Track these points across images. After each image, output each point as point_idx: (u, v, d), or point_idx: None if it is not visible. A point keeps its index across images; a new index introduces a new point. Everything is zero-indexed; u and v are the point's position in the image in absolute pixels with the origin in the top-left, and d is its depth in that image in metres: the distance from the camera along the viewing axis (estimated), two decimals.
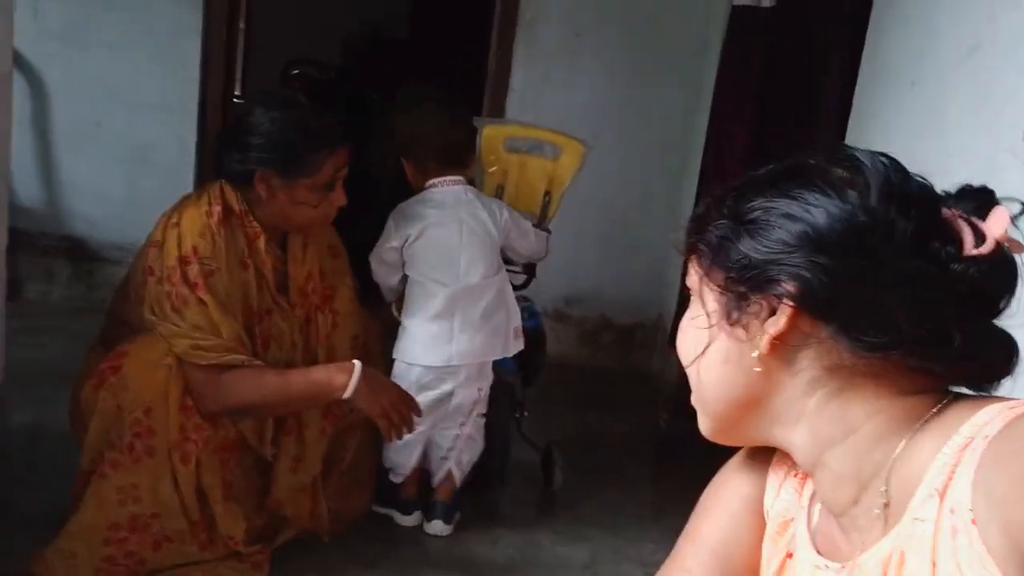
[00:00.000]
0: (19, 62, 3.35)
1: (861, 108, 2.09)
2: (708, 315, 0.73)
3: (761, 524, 0.80)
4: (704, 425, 0.77)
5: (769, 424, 0.72)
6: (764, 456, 0.82)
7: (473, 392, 2.09)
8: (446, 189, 2.11)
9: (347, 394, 1.70)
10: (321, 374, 1.73)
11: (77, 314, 3.23)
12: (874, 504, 0.66)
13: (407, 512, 2.11)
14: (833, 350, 0.66)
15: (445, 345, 2.03)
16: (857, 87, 2.12)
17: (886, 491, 0.65)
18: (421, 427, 1.96)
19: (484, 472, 2.28)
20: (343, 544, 1.96)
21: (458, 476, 2.13)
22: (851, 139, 2.07)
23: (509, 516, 2.26)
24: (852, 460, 0.67)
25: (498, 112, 3.42)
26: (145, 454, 1.61)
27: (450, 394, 2.06)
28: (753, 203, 0.70)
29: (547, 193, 2.38)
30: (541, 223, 2.38)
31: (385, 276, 2.11)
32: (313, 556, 1.90)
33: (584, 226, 3.33)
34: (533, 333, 2.32)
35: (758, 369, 0.69)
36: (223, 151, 1.76)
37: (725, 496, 0.83)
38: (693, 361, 0.74)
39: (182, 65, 3.43)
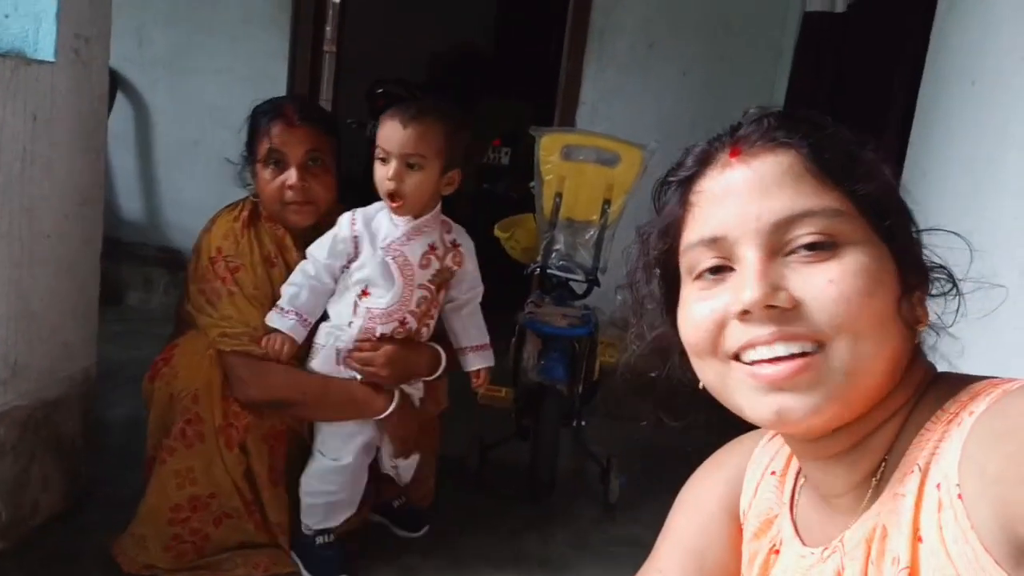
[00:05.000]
0: (125, 87, 3.64)
1: (925, 108, 2.04)
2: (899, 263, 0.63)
3: (736, 525, 0.79)
4: (829, 407, 0.61)
5: (864, 409, 0.65)
6: (737, 457, 0.82)
7: None
8: None
9: (380, 417, 1.80)
10: (361, 392, 1.78)
11: (172, 319, 3.45)
12: (867, 485, 0.64)
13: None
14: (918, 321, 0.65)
15: None
16: (921, 88, 2.08)
17: (880, 471, 0.64)
18: None
19: (533, 480, 2.30)
20: (400, 536, 2.04)
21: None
22: (915, 139, 2.04)
23: (565, 524, 2.26)
24: (877, 447, 0.65)
25: (568, 124, 3.48)
26: (196, 439, 1.73)
27: None
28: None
29: (607, 201, 2.41)
30: (602, 230, 2.41)
31: None
32: (371, 542, 1.98)
33: None
34: (585, 342, 2.34)
35: (921, 333, 0.65)
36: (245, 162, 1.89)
37: (700, 497, 0.83)
38: (884, 330, 0.61)
39: (272, 87, 3.63)
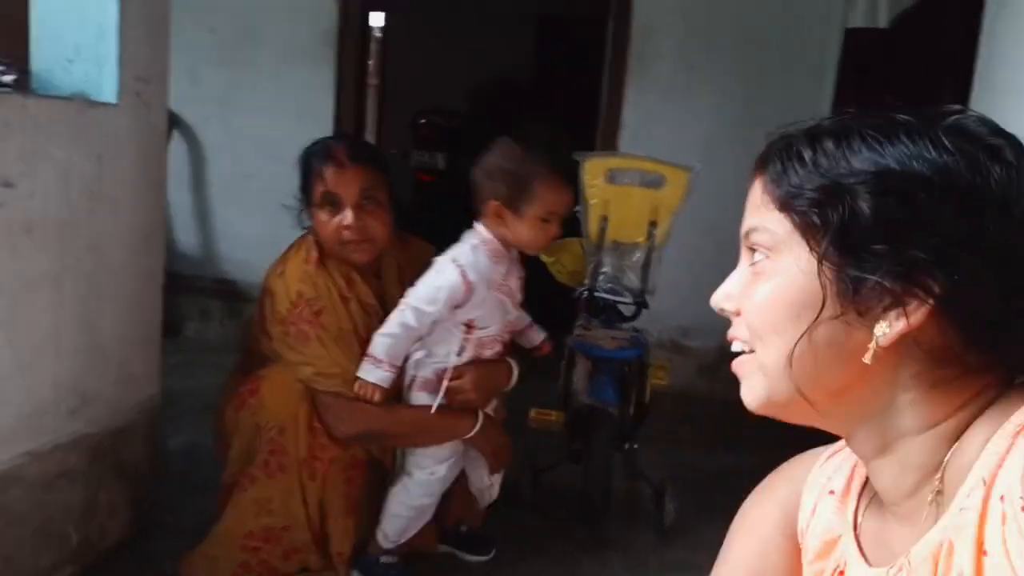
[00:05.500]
0: (180, 124, 3.76)
1: None
2: (825, 289, 0.63)
3: (795, 547, 0.79)
4: (757, 395, 0.69)
5: (841, 409, 0.67)
6: (791, 479, 0.81)
7: None
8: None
9: (468, 436, 1.88)
10: (449, 416, 1.85)
11: (229, 349, 3.53)
12: (928, 494, 0.64)
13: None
14: (950, 345, 0.62)
15: None
16: (971, 100, 2.06)
17: (940, 480, 0.63)
18: None
19: (587, 504, 2.29)
20: (456, 560, 2.06)
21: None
22: None
23: (621, 548, 2.25)
24: (926, 452, 0.64)
25: (610, 148, 3.50)
26: (279, 470, 1.77)
27: None
28: (914, 168, 0.61)
29: (653, 222, 2.42)
30: (649, 252, 2.42)
31: None
32: (423, 565, 2.00)
33: (701, 255, 3.30)
34: (635, 364, 2.34)
35: (867, 361, 0.62)
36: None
37: (756, 521, 0.83)
38: (798, 337, 0.64)
39: (318, 121, 3.72)
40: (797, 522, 0.79)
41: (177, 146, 3.75)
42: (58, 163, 1.72)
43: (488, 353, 1.90)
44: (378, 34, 5.86)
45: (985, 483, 0.59)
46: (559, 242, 2.82)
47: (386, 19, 5.76)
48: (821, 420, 0.69)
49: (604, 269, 2.45)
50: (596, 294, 2.45)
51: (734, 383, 0.72)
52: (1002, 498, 0.56)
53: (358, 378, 1.77)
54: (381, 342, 1.79)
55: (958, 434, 0.64)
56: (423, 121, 5.14)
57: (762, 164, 0.70)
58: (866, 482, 0.74)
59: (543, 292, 2.84)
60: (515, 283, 1.93)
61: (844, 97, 3.14)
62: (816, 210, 0.64)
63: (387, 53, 5.73)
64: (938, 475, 0.64)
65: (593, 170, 2.37)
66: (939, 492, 0.63)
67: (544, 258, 2.73)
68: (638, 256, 2.44)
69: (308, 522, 1.81)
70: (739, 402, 0.71)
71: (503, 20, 5.70)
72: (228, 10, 3.78)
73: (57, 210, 1.73)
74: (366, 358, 1.78)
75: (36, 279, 1.68)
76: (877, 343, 0.62)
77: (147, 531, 2.04)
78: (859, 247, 0.62)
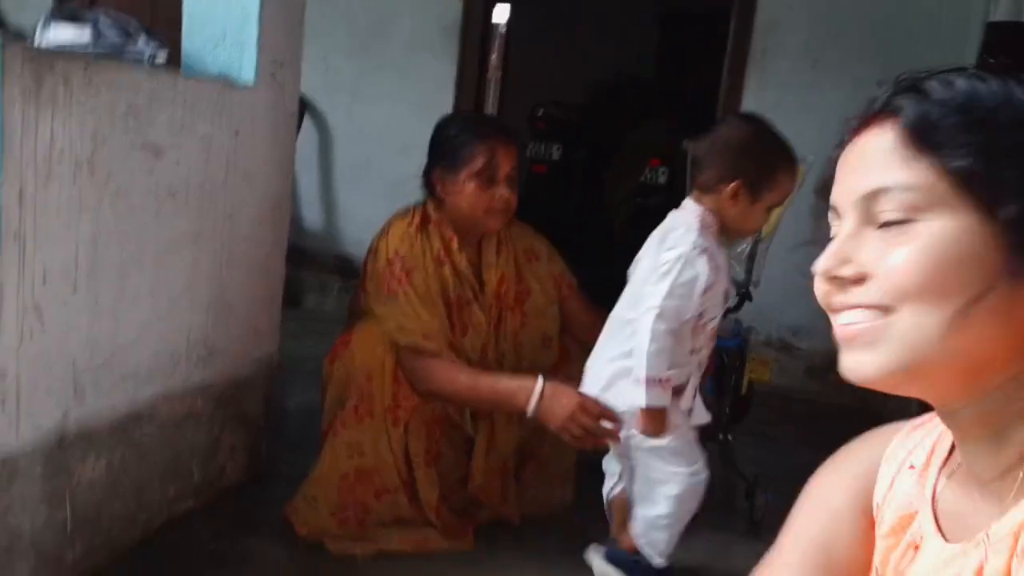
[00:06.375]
0: (311, 110, 3.99)
1: None
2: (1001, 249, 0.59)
3: (867, 520, 0.77)
4: (886, 364, 0.62)
5: (972, 382, 0.62)
6: (869, 450, 0.80)
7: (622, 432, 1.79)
8: (673, 214, 1.87)
9: (529, 412, 1.84)
10: (505, 387, 1.88)
11: (344, 321, 3.73)
12: (1020, 474, 0.62)
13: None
14: None
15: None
16: None
17: None
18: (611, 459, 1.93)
19: None
20: (542, 531, 2.11)
21: (645, 548, 1.83)
22: None
23: (707, 539, 2.20)
24: (1018, 438, 0.63)
25: None
26: (367, 415, 1.91)
27: None
28: None
29: None
30: (756, 244, 2.39)
31: None
32: (513, 535, 2.08)
33: (814, 254, 3.25)
34: (735, 354, 2.33)
35: None
36: (424, 172, 2.07)
37: (828, 491, 0.81)
38: (962, 305, 0.59)
39: (438, 113, 3.85)
40: (872, 495, 0.77)
41: (307, 130, 3.99)
42: (201, 136, 1.89)
43: (709, 346, 1.77)
44: (503, 28, 5.99)
45: None
46: None
47: (511, 13, 5.87)
48: (940, 393, 0.64)
49: None
50: None
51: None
52: None
53: (642, 409, 1.65)
54: (657, 360, 1.63)
55: None
56: (541, 113, 5.21)
57: (887, 111, 0.64)
58: (947, 458, 0.73)
59: None
60: (726, 267, 1.77)
61: None
62: (985, 160, 0.59)
63: (510, 46, 5.83)
64: None
65: None
66: None
67: None
68: (744, 247, 2.41)
69: (396, 467, 1.92)
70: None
71: (627, 15, 5.71)
72: (360, 2, 3.98)
73: (198, 179, 1.90)
74: (648, 383, 1.63)
75: (177, 239, 1.86)
76: None
77: (262, 477, 2.22)
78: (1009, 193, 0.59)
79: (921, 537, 0.70)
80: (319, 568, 1.86)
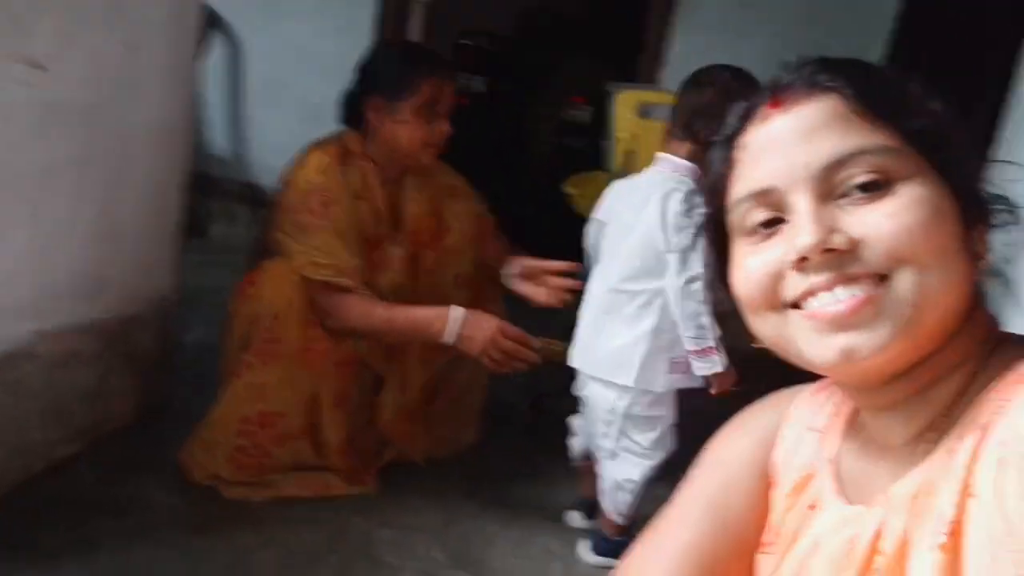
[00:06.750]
0: (220, 24, 3.74)
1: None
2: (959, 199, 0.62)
3: (766, 481, 0.78)
4: (898, 332, 0.60)
5: (932, 346, 0.62)
6: (769, 414, 0.80)
7: (606, 397, 1.77)
8: (653, 169, 1.79)
9: (446, 339, 1.82)
10: (422, 315, 1.84)
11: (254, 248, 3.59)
12: (924, 440, 0.63)
13: (570, 507, 2.01)
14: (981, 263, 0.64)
15: (577, 345, 1.84)
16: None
17: (940, 428, 0.62)
18: (580, 418, 1.95)
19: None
20: (446, 474, 2.10)
21: (607, 505, 1.84)
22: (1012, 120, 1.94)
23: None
24: (945, 396, 0.63)
25: (652, 84, 3.42)
26: (272, 357, 1.82)
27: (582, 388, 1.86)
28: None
29: None
30: None
31: (590, 250, 1.91)
32: (415, 477, 2.05)
33: None
34: None
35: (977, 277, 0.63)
36: (348, 97, 1.96)
37: (727, 452, 0.81)
38: (951, 261, 0.60)
39: (358, 32, 3.68)
40: (771, 457, 0.78)
41: (215, 48, 3.74)
42: (89, 49, 1.72)
43: None
44: None
45: (982, 428, 0.58)
46: (585, 175, 2.80)
47: None
48: (911, 360, 0.62)
49: None
50: None
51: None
52: (1002, 443, 0.55)
53: (707, 378, 1.67)
54: (709, 326, 1.62)
55: (965, 384, 0.63)
56: (466, 42, 5.03)
57: (817, 87, 0.63)
58: (848, 420, 0.73)
59: (568, 224, 2.83)
60: None
61: (900, 47, 3.02)
62: (924, 118, 0.62)
63: None
64: (939, 424, 0.63)
65: (624, 103, 2.33)
66: (935, 439, 0.63)
67: (568, 190, 2.71)
68: None
69: (302, 411, 1.86)
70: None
71: None
72: None
73: (85, 97, 1.74)
74: (708, 352, 1.63)
75: (60, 162, 1.70)
76: (980, 256, 0.63)
77: (154, 418, 2.11)
78: (958, 156, 0.63)
79: (820, 498, 0.71)
80: (212, 514, 1.79)
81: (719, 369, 1.66)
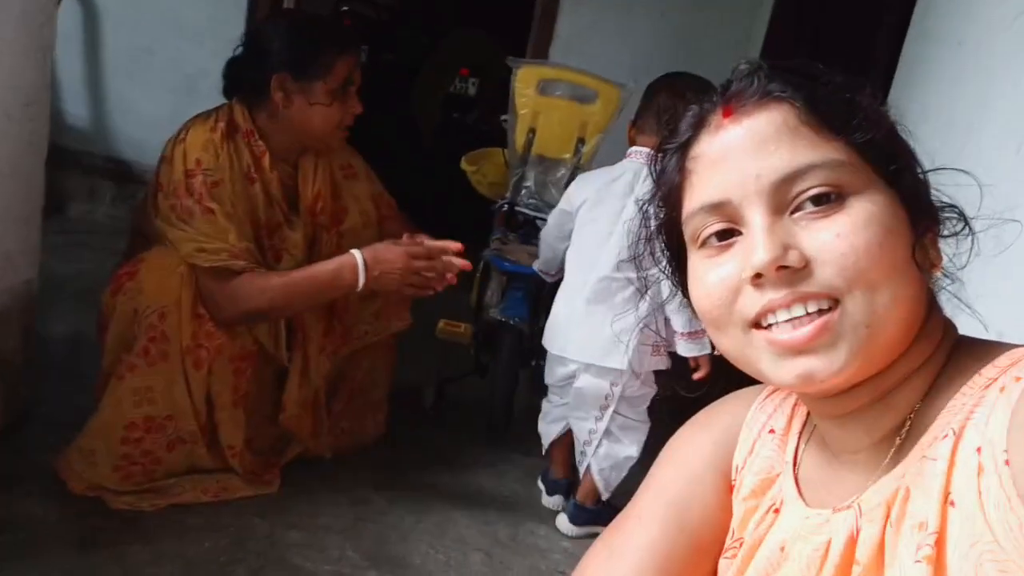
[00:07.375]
0: None
1: (908, 60, 2.06)
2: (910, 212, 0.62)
3: (726, 483, 0.78)
4: (854, 355, 0.60)
5: (889, 359, 0.62)
6: (729, 415, 0.80)
7: (600, 385, 1.87)
8: (628, 160, 1.91)
9: (360, 284, 1.73)
10: (324, 270, 1.73)
11: (119, 233, 3.32)
12: (887, 446, 0.63)
13: (549, 492, 2.06)
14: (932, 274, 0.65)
15: (562, 333, 1.91)
16: (906, 42, 2.07)
17: (903, 434, 0.63)
18: (559, 402, 1.99)
19: (490, 417, 2.29)
20: (354, 468, 2.02)
21: (599, 482, 1.93)
22: (897, 88, 2.04)
23: (518, 463, 2.25)
24: (902, 405, 0.63)
25: (541, 58, 3.39)
26: (159, 358, 1.67)
27: (572, 376, 1.91)
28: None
29: (581, 139, 2.36)
30: (575, 170, 2.36)
31: (551, 240, 2.02)
32: (321, 474, 1.96)
33: None
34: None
35: (929, 287, 0.64)
36: (240, 69, 1.80)
37: (686, 453, 0.80)
38: (902, 277, 0.60)
39: None
40: (731, 458, 0.78)
41: (70, 8, 3.40)
42: None
43: None
44: None
45: (954, 433, 0.58)
46: (481, 151, 2.74)
47: None
48: (867, 373, 0.62)
49: (527, 183, 2.39)
50: (516, 208, 2.39)
51: None
52: (979, 450, 0.55)
53: (696, 359, 1.75)
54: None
55: (927, 388, 0.63)
56: (345, 8, 4.83)
57: (787, 90, 0.62)
58: (806, 422, 0.73)
59: (463, 202, 2.77)
60: None
61: (778, 31, 3.11)
62: (874, 130, 0.62)
63: None
64: (904, 429, 0.63)
65: (525, 78, 2.28)
66: (901, 445, 0.63)
67: (465, 167, 2.64)
68: (563, 173, 2.38)
69: (195, 413, 1.72)
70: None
71: None
72: None
73: None
74: (698, 335, 1.73)
75: None
76: (934, 265, 0.64)
77: (20, 423, 1.90)
78: (906, 165, 0.64)
79: (782, 501, 0.71)
80: (98, 528, 1.63)
81: (708, 351, 1.73)
